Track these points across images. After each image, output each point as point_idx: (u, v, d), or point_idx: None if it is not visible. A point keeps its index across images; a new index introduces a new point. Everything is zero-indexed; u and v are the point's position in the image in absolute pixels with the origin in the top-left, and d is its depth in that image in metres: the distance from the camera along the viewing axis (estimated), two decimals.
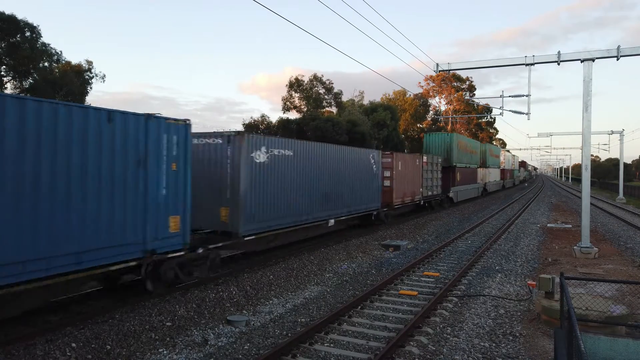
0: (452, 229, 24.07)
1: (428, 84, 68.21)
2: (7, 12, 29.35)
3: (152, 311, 9.53)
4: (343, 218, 18.59)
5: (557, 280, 8.20)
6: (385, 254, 17.04)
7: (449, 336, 8.77)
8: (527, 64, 17.14)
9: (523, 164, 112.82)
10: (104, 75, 37.06)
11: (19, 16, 29.99)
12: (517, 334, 8.93)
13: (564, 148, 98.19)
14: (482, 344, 8.43)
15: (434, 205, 31.59)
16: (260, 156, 13.19)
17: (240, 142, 12.48)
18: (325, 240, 18.43)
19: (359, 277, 13.49)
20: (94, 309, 9.52)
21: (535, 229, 24.09)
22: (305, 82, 44.17)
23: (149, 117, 9.58)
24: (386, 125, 43.14)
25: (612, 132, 48.98)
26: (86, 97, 34.04)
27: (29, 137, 7.55)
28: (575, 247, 16.70)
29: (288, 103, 44.27)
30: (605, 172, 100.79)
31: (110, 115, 8.80)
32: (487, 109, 69.42)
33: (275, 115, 62.90)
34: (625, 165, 71.56)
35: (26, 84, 31.48)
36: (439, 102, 70.76)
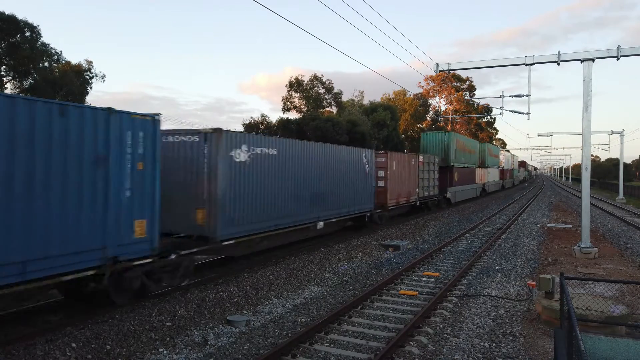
0: (452, 229, 24.07)
1: (428, 84, 68.30)
2: (7, 12, 29.39)
3: (152, 311, 9.53)
4: (333, 220, 17.95)
5: (557, 280, 8.19)
6: (385, 254, 17.04)
7: (449, 336, 8.77)
8: (527, 64, 17.14)
9: (523, 164, 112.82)
10: (104, 75, 37.10)
11: (19, 16, 30.03)
12: (517, 334, 8.93)
13: (564, 148, 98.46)
14: (482, 344, 8.43)
15: (431, 206, 31.14)
16: (241, 155, 12.53)
17: (217, 139, 11.75)
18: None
19: (359, 277, 13.49)
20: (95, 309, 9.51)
21: (535, 229, 24.10)
22: (305, 82, 44.20)
23: (110, 111, 8.82)
24: (386, 125, 43.13)
25: (612, 132, 49.00)
26: (86, 97, 34.06)
27: None
28: (575, 247, 16.70)
29: (288, 103, 44.29)
30: (605, 172, 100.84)
31: (62, 108, 8.03)
32: (487, 109, 69.44)
33: (275, 115, 62.96)
34: (625, 165, 71.57)
35: (26, 84, 31.49)
36: (439, 102, 70.85)
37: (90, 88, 34.98)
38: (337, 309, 9.82)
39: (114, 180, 8.87)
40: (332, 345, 8.25)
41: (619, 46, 15.53)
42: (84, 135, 8.36)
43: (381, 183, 22.61)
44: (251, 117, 49.81)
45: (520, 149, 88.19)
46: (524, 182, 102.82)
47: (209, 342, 8.39)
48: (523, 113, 22.66)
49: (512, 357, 7.87)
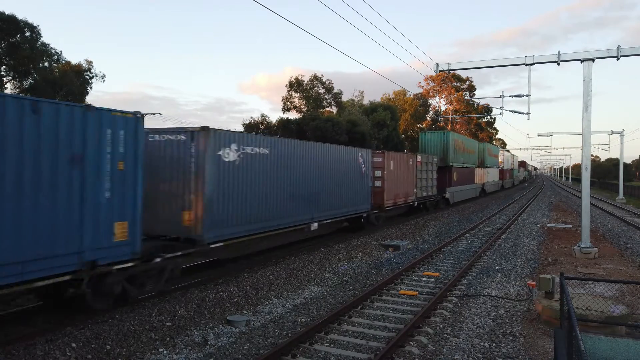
0: (452, 229, 24.07)
1: (428, 84, 68.32)
2: (7, 12, 29.44)
3: (152, 311, 9.53)
4: (328, 221, 17.52)
5: (557, 280, 8.19)
6: (385, 254, 17.04)
7: (449, 336, 8.77)
8: (527, 64, 17.15)
9: (523, 164, 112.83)
10: (104, 75, 37.18)
11: (19, 16, 30.10)
12: (517, 334, 8.94)
13: (564, 148, 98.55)
14: (482, 344, 8.43)
15: (429, 206, 30.84)
16: (230, 154, 12.09)
17: (205, 138, 11.31)
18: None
19: (359, 277, 13.49)
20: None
21: (535, 229, 24.10)
22: (305, 82, 44.23)
23: (87, 108, 8.41)
24: (386, 125, 43.14)
25: (612, 132, 49.04)
26: (86, 97, 34.13)
27: None
28: (575, 247, 16.70)
29: (288, 103, 44.32)
30: (605, 172, 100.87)
31: (35, 105, 7.57)
32: (487, 109, 69.46)
33: (275, 115, 63.02)
34: (625, 165, 71.61)
35: (26, 84, 31.54)
36: (439, 102, 70.89)
37: (90, 88, 35.07)
38: (337, 309, 9.83)
39: (92, 180, 8.43)
40: (332, 345, 8.25)
41: (619, 46, 15.55)
42: (58, 133, 7.91)
43: (378, 183, 22.24)
44: (251, 117, 49.90)
45: (520, 149, 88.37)
46: (523, 182, 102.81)
47: (209, 342, 8.39)
48: (523, 113, 22.68)
49: (512, 357, 7.87)
